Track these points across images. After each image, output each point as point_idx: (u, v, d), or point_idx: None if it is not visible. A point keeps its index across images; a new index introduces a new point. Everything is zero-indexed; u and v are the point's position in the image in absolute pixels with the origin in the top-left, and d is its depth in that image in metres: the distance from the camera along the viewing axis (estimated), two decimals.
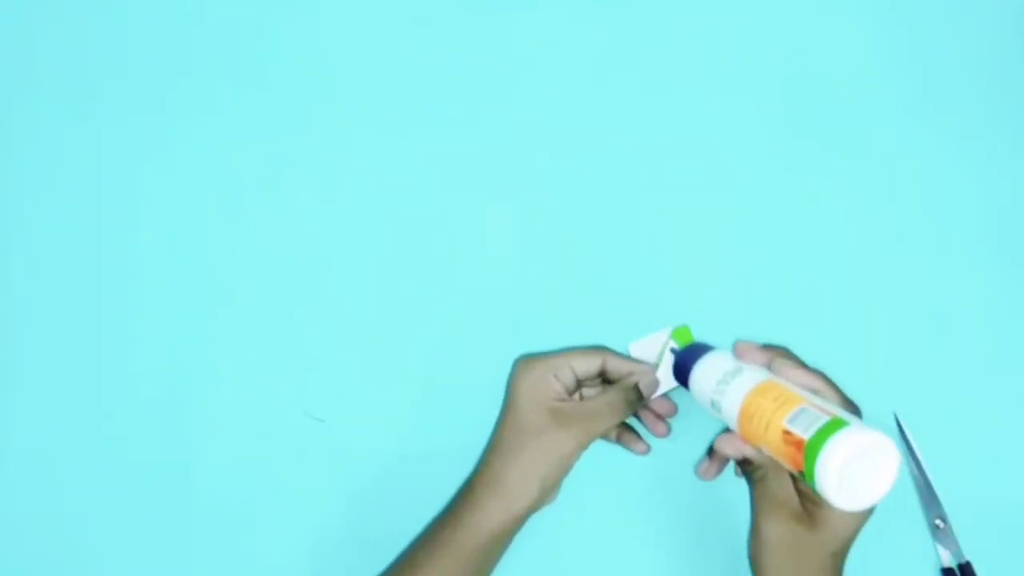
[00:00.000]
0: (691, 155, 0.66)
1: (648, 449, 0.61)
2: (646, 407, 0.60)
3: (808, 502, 0.51)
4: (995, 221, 0.65)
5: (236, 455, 0.62)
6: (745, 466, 0.55)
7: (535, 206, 0.65)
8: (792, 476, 0.52)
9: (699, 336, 0.61)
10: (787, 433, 0.48)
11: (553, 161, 0.65)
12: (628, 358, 0.60)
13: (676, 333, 0.60)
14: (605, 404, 0.57)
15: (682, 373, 0.57)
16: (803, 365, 0.53)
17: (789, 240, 0.65)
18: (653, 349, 0.60)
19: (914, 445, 0.62)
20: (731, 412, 0.52)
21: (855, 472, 0.45)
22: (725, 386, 0.53)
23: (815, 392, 0.51)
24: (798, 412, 0.48)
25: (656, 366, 0.59)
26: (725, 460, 0.58)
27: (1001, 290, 0.64)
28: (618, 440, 0.61)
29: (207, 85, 0.66)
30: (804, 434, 0.47)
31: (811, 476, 0.46)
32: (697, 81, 0.66)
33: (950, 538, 0.61)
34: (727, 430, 0.53)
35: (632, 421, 0.62)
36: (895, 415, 0.63)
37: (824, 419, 0.47)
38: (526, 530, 0.57)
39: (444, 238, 0.65)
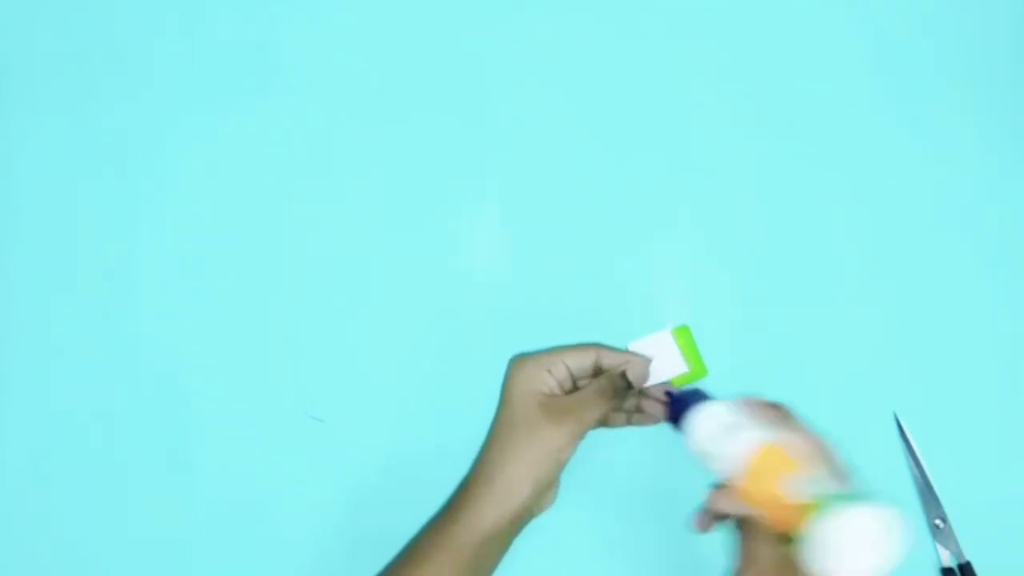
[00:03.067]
0: (690, 155, 0.66)
1: (660, 419, 0.59)
2: (645, 394, 0.59)
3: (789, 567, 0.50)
4: (994, 220, 0.65)
5: (236, 455, 0.62)
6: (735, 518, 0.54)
7: (537, 206, 0.65)
8: (779, 538, 0.51)
9: (699, 336, 0.60)
10: (787, 499, 0.47)
11: (552, 162, 0.65)
12: (622, 351, 0.59)
13: (676, 333, 0.60)
14: (592, 392, 0.56)
15: (677, 418, 0.56)
16: (806, 427, 0.52)
17: (788, 240, 0.65)
18: (653, 349, 0.60)
19: (914, 445, 0.62)
20: (729, 468, 0.51)
21: (852, 546, 0.44)
22: (726, 440, 0.52)
23: (817, 456, 0.50)
24: (802, 478, 0.48)
25: (651, 359, 0.59)
26: (721, 515, 0.56)
27: (1001, 290, 0.64)
28: (629, 424, 0.60)
29: (206, 89, 0.67)
30: (807, 501, 0.46)
31: (805, 544, 0.45)
32: (697, 78, 0.67)
33: (950, 538, 0.61)
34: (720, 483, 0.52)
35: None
36: (895, 415, 0.63)
37: (829, 489, 0.46)
38: (520, 539, 0.57)
39: (443, 238, 0.65)
